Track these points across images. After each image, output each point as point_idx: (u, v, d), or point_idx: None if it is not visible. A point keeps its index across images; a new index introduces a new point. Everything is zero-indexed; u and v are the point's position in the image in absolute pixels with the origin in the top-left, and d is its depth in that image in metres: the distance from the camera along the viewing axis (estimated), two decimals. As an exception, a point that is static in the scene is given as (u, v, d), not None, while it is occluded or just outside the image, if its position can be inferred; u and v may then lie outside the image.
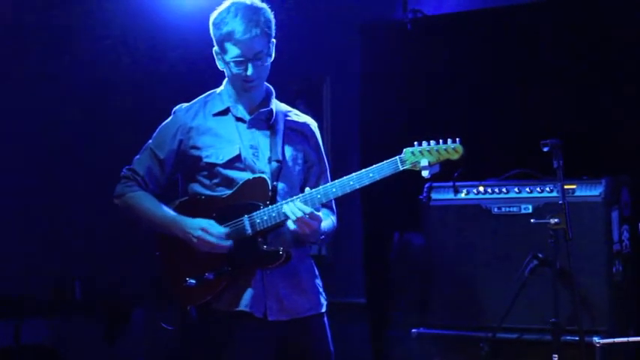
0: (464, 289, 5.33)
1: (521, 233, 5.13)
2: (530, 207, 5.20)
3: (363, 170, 3.74)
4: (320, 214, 3.81)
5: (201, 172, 3.88)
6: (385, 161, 3.73)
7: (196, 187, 3.91)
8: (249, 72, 3.80)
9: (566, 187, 4.65)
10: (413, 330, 5.38)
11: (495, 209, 5.29)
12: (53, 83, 6.65)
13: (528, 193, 5.23)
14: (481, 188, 5.35)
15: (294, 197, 3.77)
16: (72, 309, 6.67)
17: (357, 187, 3.74)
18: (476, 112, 6.16)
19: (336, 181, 3.78)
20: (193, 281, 3.81)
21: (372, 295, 6.57)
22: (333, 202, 3.98)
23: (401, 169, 3.72)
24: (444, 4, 6.49)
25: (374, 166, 3.74)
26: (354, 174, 3.75)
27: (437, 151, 3.70)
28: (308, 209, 3.71)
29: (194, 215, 3.83)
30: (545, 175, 5.16)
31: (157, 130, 3.98)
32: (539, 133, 4.72)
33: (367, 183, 3.74)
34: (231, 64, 3.82)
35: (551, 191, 5.15)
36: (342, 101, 6.99)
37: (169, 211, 3.88)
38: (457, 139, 3.71)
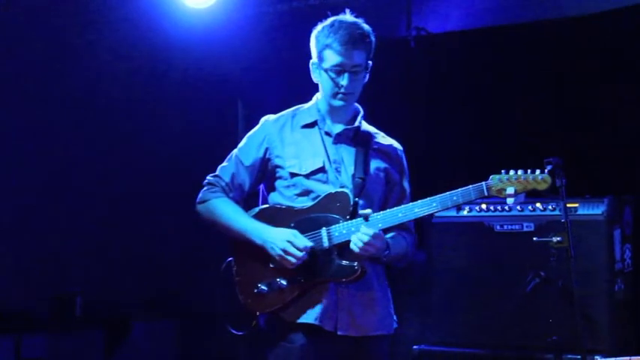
0: (465, 306, 5.32)
1: (523, 251, 5.12)
2: (532, 225, 5.19)
3: (447, 193, 3.74)
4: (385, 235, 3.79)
5: (283, 181, 3.91)
6: (471, 186, 3.74)
7: (276, 197, 3.93)
8: (345, 82, 3.84)
9: (568, 205, 4.62)
10: (414, 347, 5.37)
11: (498, 227, 5.29)
12: (51, 105, 6.66)
13: (531, 211, 5.23)
14: (484, 206, 5.34)
15: (379, 212, 3.77)
16: (72, 324, 6.67)
17: (440, 209, 3.75)
18: (478, 129, 6.17)
19: (418, 201, 3.77)
20: (265, 288, 3.80)
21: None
22: (412, 224, 3.98)
23: (486, 194, 3.75)
24: (447, 22, 6.50)
25: (458, 190, 3.74)
26: (437, 196, 3.74)
27: (525, 180, 3.76)
28: (371, 231, 3.70)
29: (272, 223, 3.83)
30: (547, 194, 5.14)
31: (244, 138, 4.01)
32: (542, 150, 4.72)
33: (450, 206, 3.75)
34: (329, 72, 3.87)
35: (554, 209, 5.15)
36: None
37: (250, 219, 3.88)
38: (545, 170, 3.76)
